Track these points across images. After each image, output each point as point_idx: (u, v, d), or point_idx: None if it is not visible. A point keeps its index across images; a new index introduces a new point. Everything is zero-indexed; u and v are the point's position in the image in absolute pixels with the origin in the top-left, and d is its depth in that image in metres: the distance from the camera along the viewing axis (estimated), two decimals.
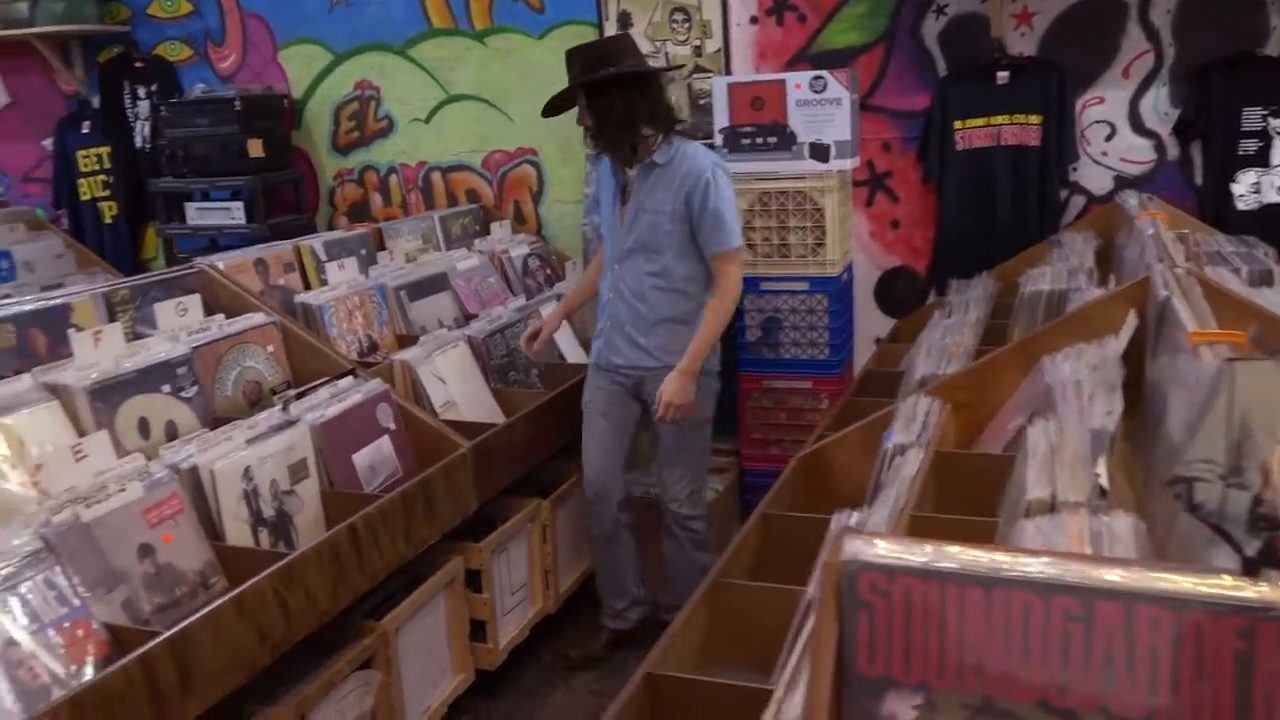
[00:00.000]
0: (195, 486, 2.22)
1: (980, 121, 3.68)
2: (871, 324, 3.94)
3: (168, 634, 1.83)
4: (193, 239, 4.72)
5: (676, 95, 3.96)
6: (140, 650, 1.77)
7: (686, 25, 3.89)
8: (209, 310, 2.83)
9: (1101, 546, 1.19)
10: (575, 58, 2.84)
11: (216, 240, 4.67)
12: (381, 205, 4.64)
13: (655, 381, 2.94)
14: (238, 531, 2.26)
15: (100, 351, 2.36)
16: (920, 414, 2.22)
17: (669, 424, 2.94)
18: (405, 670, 2.59)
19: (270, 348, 2.82)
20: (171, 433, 2.43)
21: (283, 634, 2.10)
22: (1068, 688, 0.77)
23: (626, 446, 3.09)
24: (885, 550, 0.84)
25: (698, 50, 3.90)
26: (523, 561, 3.13)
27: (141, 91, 4.99)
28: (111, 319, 2.65)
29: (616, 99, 2.77)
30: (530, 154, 4.31)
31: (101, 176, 5.13)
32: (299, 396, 2.57)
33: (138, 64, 4.95)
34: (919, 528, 1.76)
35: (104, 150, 5.08)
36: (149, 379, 2.41)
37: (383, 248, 3.68)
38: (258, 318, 2.83)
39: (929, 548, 0.82)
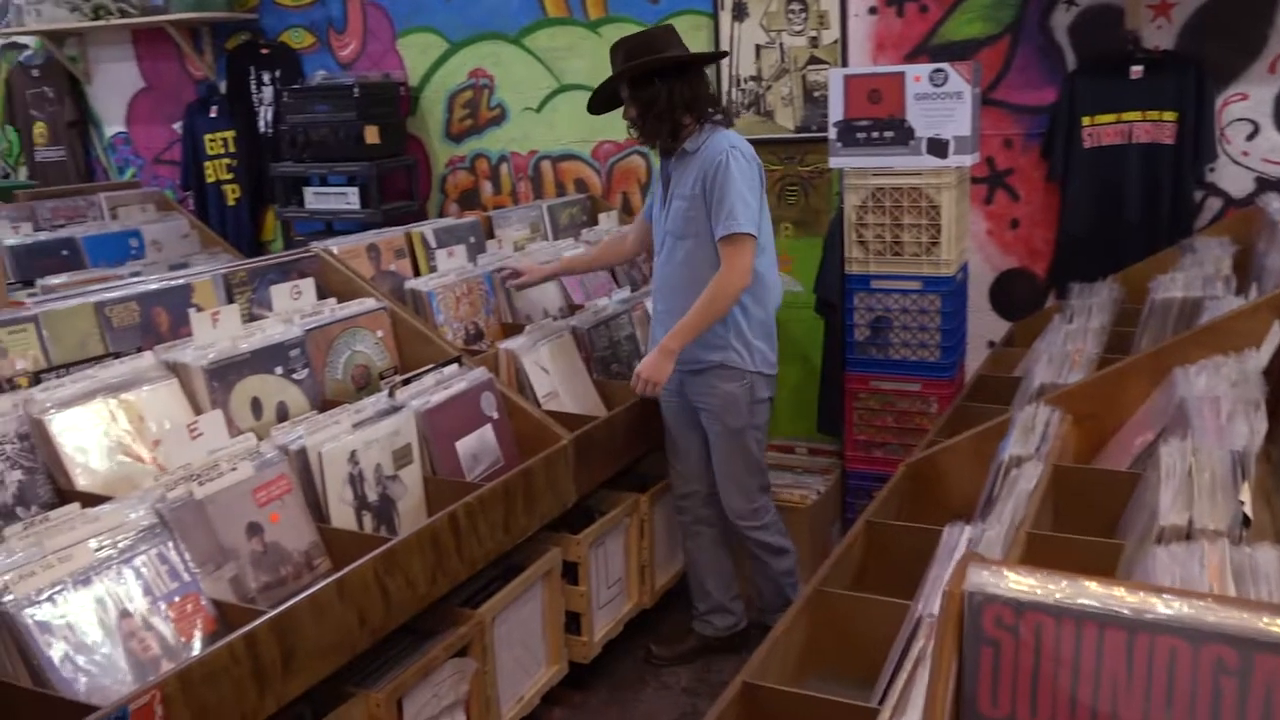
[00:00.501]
0: (303, 468, 2.26)
1: (1110, 118, 3.51)
2: (984, 326, 3.80)
3: (272, 613, 1.86)
4: (309, 223, 4.83)
5: (791, 86, 3.88)
6: (245, 628, 1.81)
7: (803, 15, 3.80)
8: (322, 294, 2.88)
9: (1245, 581, 1.10)
10: (618, 50, 2.85)
11: (332, 225, 4.78)
12: (491, 193, 4.67)
13: (694, 382, 2.93)
14: (342, 514, 2.29)
15: (218, 332, 2.42)
16: (1040, 425, 2.12)
17: (714, 430, 2.94)
18: (500, 659, 2.61)
19: (380, 333, 2.85)
20: (282, 414, 2.48)
21: (382, 618, 2.12)
22: None
23: (700, 445, 3.05)
24: (1015, 583, 0.78)
25: (814, 41, 3.81)
26: (619, 556, 3.11)
27: (266, 77, 5.13)
28: (230, 300, 2.72)
29: (659, 88, 2.77)
30: (639, 145, 4.28)
31: (226, 160, 5.29)
32: (405, 383, 2.60)
33: (263, 50, 5.09)
34: (1037, 547, 1.68)
35: (229, 134, 5.25)
36: (263, 360, 2.46)
37: (492, 236, 3.70)
38: (369, 303, 2.87)
39: (1065, 582, 0.76)
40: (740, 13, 3.89)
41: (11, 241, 4.17)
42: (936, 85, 3.31)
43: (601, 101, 2.99)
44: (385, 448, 2.41)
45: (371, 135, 4.45)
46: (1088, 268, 3.40)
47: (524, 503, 2.57)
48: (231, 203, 5.33)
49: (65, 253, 4.33)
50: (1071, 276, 3.39)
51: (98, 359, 2.24)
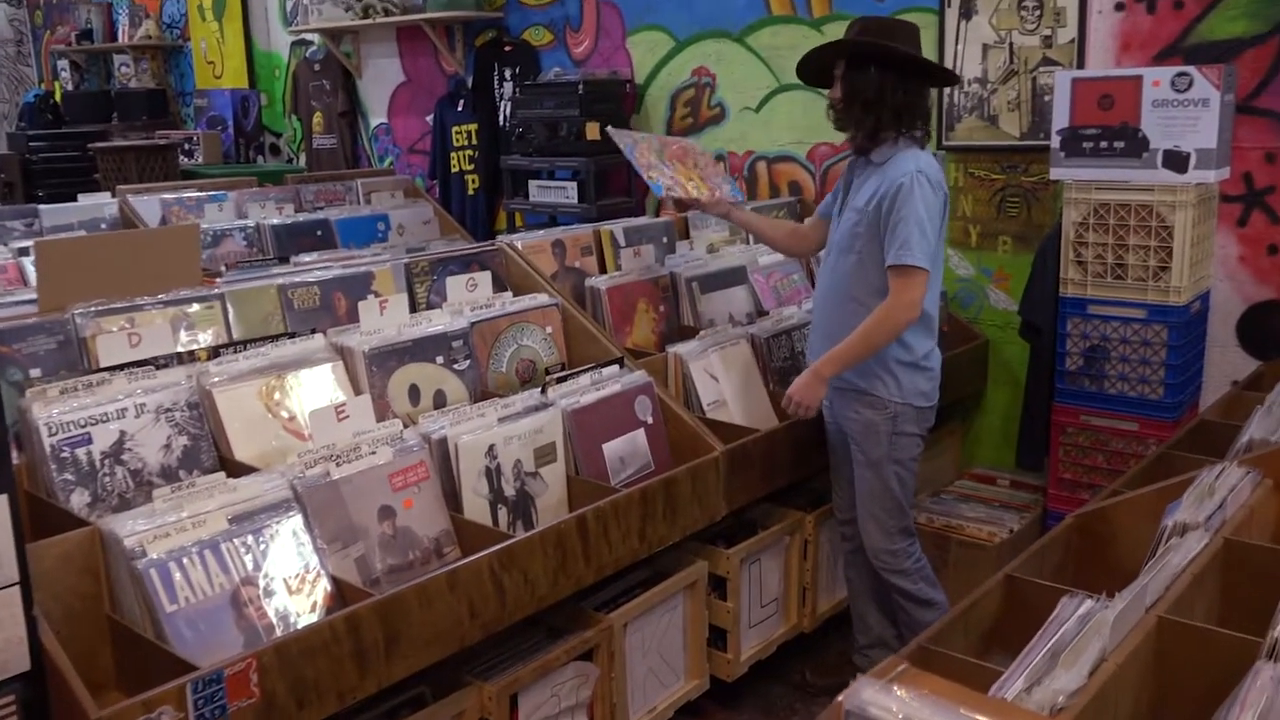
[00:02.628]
0: (442, 457, 2.32)
1: None
2: (1230, 365, 3.35)
3: (378, 597, 1.93)
4: (534, 214, 4.99)
5: (1019, 90, 3.59)
6: (347, 609, 1.88)
7: (1037, 13, 3.49)
8: (500, 286, 2.96)
9: None
10: (855, 24, 2.69)
11: (555, 218, 4.92)
12: None
13: (839, 402, 2.78)
14: (475, 506, 2.34)
15: (384, 319, 2.53)
16: (1222, 487, 1.84)
17: (856, 458, 2.77)
18: (632, 667, 2.58)
19: (549, 329, 2.89)
20: (439, 402, 2.57)
21: (495, 613, 2.14)
22: None
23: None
24: (898, 703, 0.67)
25: (1047, 41, 3.50)
26: (777, 575, 3.00)
27: (507, 73, 5.35)
28: (410, 288, 2.84)
29: (875, 77, 2.59)
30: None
31: (469, 151, 5.57)
32: (560, 380, 2.62)
33: (506, 47, 5.31)
34: (1167, 635, 1.44)
35: (473, 127, 5.52)
36: (424, 349, 2.55)
37: (687, 236, 3.67)
38: (541, 298, 2.92)
39: (943, 705, 0.64)
40: (968, 10, 3.63)
41: (274, 221, 4.57)
42: (1179, 91, 2.95)
43: (812, 71, 2.81)
44: (527, 444, 2.44)
45: (592, 131, 4.53)
46: None
47: (665, 511, 2.53)
48: (471, 192, 5.60)
49: (319, 233, 4.70)
50: None
51: (274, 338, 2.40)
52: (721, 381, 3.02)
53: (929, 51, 3.75)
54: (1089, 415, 3.21)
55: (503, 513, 2.39)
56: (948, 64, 3.69)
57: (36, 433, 1.99)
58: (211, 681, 1.68)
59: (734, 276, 3.49)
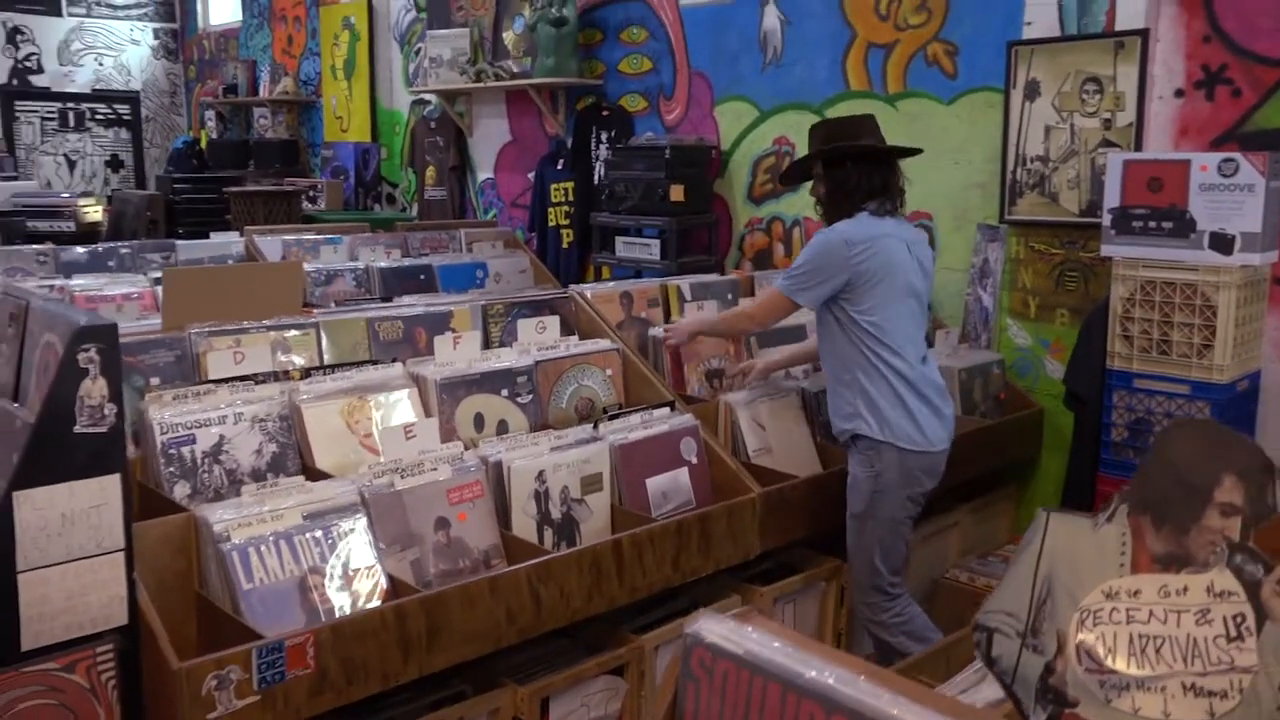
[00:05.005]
0: (497, 479, 2.58)
1: None
2: None
3: (423, 594, 2.18)
4: (620, 268, 5.28)
5: (1079, 169, 3.73)
6: (396, 601, 2.14)
7: (1098, 96, 3.64)
8: (568, 331, 3.23)
9: None
10: (818, 130, 3.08)
11: (640, 272, 5.19)
12: (783, 255, 4.86)
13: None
14: (524, 525, 2.58)
15: (457, 354, 2.82)
16: None
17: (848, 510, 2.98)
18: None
19: (609, 371, 3.14)
20: (502, 430, 2.83)
21: (531, 620, 2.37)
22: None
23: None
24: (725, 631, 0.87)
25: (1107, 124, 3.64)
26: (811, 619, 3.15)
27: (604, 136, 5.70)
28: (485, 328, 3.13)
29: (851, 172, 2.94)
30: (925, 218, 4.28)
31: (565, 207, 5.92)
32: (612, 418, 2.85)
33: (604, 112, 5.66)
34: None
35: (570, 184, 5.87)
36: (490, 382, 2.83)
37: (752, 294, 3.89)
38: (603, 343, 3.17)
39: (756, 635, 0.84)
40: (1032, 92, 3.80)
41: (382, 264, 4.95)
42: (1225, 176, 3.07)
43: (795, 175, 3.26)
44: (575, 472, 2.68)
45: (677, 193, 4.81)
46: None
47: (699, 544, 2.72)
48: (565, 245, 5.94)
49: (422, 277, 5.07)
50: None
51: (359, 364, 2.71)
52: (768, 430, 3.22)
53: (992, 128, 3.94)
54: None
55: (548, 533, 2.63)
56: (1012, 142, 3.86)
57: (150, 431, 2.32)
58: (274, 650, 1.95)
59: (793, 334, 3.68)
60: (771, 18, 4.77)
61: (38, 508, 1.75)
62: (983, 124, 4.02)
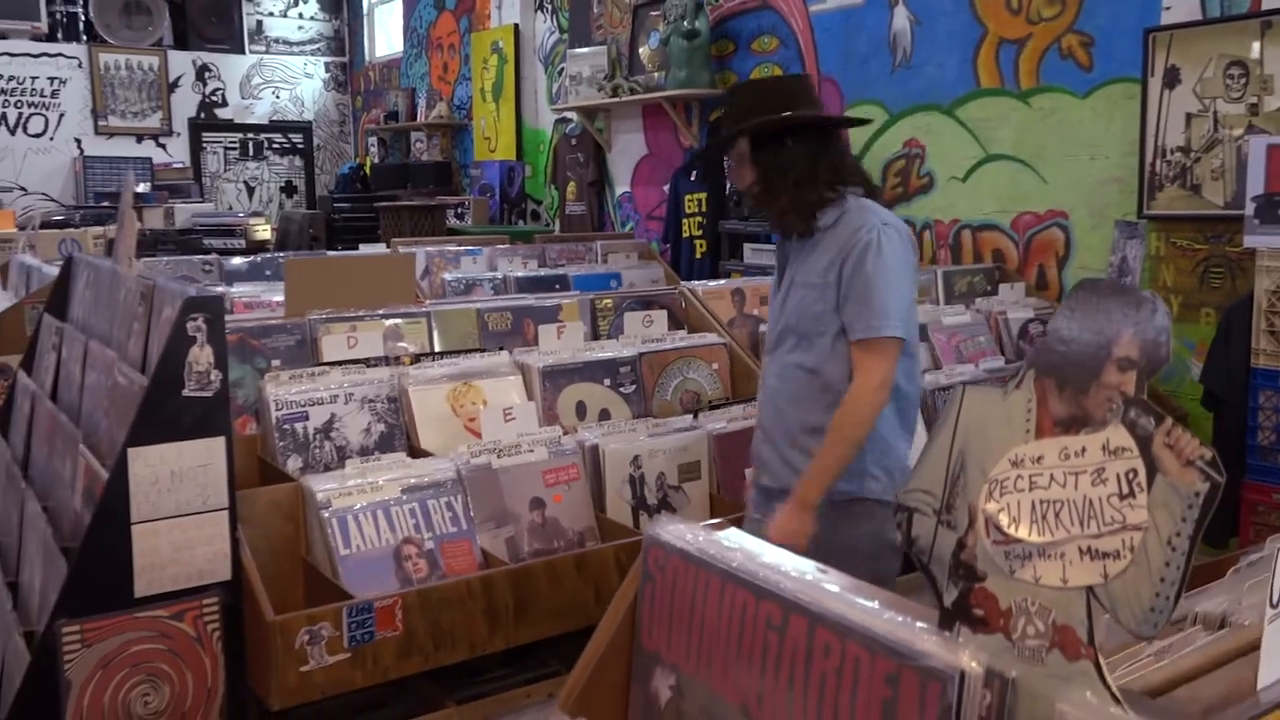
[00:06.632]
0: (593, 463, 2.62)
1: None
2: None
3: (510, 566, 2.24)
4: (749, 275, 5.28)
5: (1223, 158, 3.51)
6: (483, 573, 2.20)
7: (1243, 80, 3.43)
8: (676, 325, 3.26)
9: None
10: (738, 96, 2.33)
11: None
12: None
13: (824, 523, 2.19)
14: (618, 509, 2.61)
15: (561, 343, 2.89)
16: None
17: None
18: None
19: (715, 365, 3.15)
20: (604, 419, 2.88)
21: None
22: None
23: None
24: (679, 533, 0.89)
25: (1253, 109, 3.42)
26: None
27: None
28: (594, 321, 3.20)
29: (795, 151, 2.22)
30: (1060, 217, 4.11)
31: (698, 218, 5.96)
32: (713, 408, 2.86)
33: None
34: None
35: (703, 195, 5.91)
36: (593, 371, 2.88)
37: None
38: (711, 337, 3.19)
39: (703, 536, 0.85)
40: (1172, 79, 3.61)
41: (519, 274, 5.13)
42: None
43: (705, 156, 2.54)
44: (672, 459, 2.70)
45: None
46: None
47: None
48: (699, 256, 5.98)
49: (557, 286, 5.21)
50: None
51: (466, 351, 2.81)
52: None
53: (1130, 120, 3.77)
54: None
55: (644, 518, 2.65)
56: (1150, 133, 3.67)
57: (268, 408, 2.48)
58: (363, 610, 2.05)
59: None
60: (901, 19, 4.70)
61: (149, 464, 1.90)
62: (1120, 116, 3.84)
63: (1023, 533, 0.62)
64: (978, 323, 3.78)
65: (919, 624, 0.66)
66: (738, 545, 0.81)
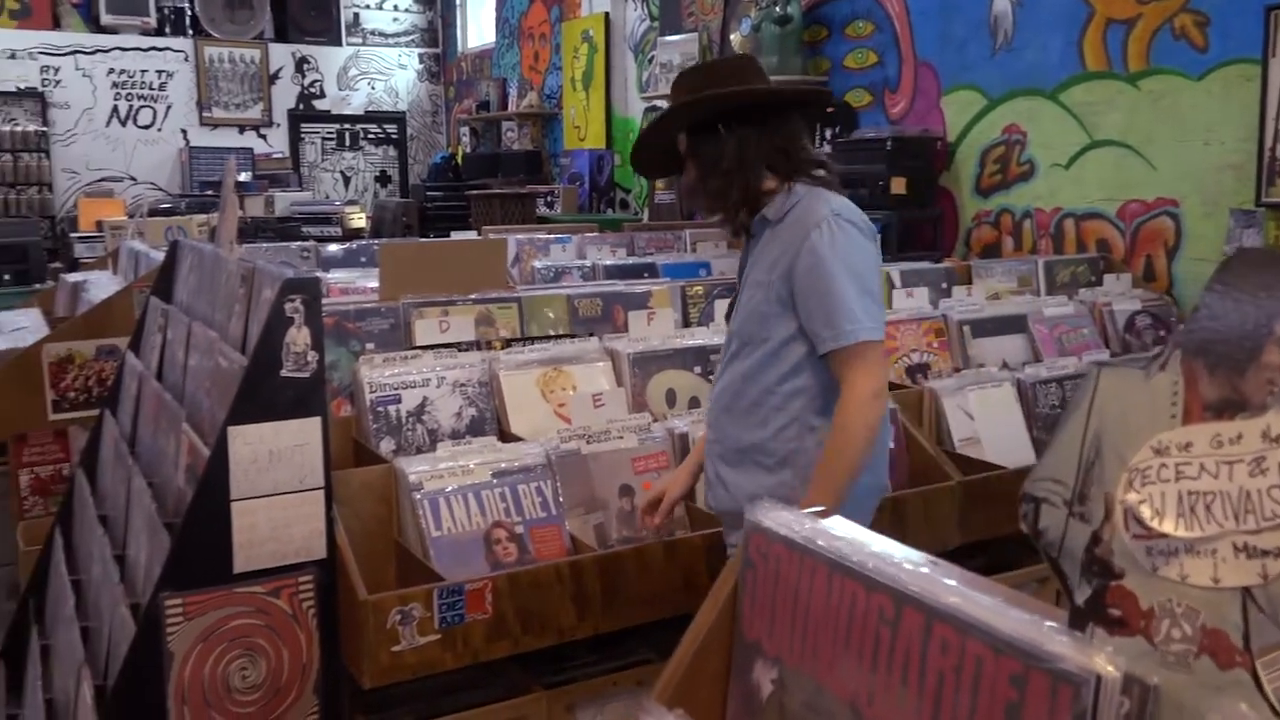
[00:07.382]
0: (683, 450, 2.59)
1: None
2: None
3: (599, 553, 2.23)
4: None
5: None
6: (572, 558, 2.20)
7: None
8: None
9: None
10: (679, 86, 2.07)
11: None
12: (1012, 248, 4.62)
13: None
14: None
15: (651, 329, 2.87)
16: None
17: None
18: None
19: None
20: (694, 406, 2.85)
21: (708, 589, 2.36)
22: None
23: None
24: (784, 521, 0.86)
25: None
26: None
27: (828, 133, 5.62)
28: (684, 308, 3.17)
29: (726, 139, 1.97)
30: (1170, 205, 3.94)
31: None
32: None
33: (829, 109, 5.59)
34: None
35: None
36: (683, 358, 2.86)
37: (970, 280, 3.72)
38: None
39: (809, 524, 0.82)
40: None
41: (608, 262, 5.13)
42: None
43: (656, 159, 2.25)
44: None
45: (898, 186, 4.68)
46: None
47: (891, 529, 2.61)
48: None
49: (645, 274, 5.20)
50: None
51: (557, 337, 2.81)
52: (977, 420, 3.06)
53: (1248, 103, 3.58)
54: None
55: None
56: (1270, 117, 3.49)
57: (362, 390, 2.51)
58: (454, 592, 2.06)
59: (1011, 324, 3.50)
60: (1002, 0, 4.55)
61: (248, 442, 1.93)
62: (1237, 99, 3.66)
63: (1168, 527, 0.57)
64: (1081, 314, 3.65)
65: (1047, 623, 0.62)
66: (845, 534, 0.77)
